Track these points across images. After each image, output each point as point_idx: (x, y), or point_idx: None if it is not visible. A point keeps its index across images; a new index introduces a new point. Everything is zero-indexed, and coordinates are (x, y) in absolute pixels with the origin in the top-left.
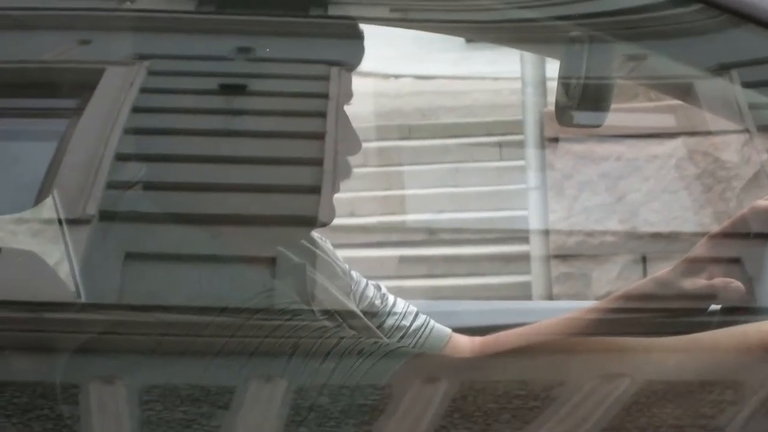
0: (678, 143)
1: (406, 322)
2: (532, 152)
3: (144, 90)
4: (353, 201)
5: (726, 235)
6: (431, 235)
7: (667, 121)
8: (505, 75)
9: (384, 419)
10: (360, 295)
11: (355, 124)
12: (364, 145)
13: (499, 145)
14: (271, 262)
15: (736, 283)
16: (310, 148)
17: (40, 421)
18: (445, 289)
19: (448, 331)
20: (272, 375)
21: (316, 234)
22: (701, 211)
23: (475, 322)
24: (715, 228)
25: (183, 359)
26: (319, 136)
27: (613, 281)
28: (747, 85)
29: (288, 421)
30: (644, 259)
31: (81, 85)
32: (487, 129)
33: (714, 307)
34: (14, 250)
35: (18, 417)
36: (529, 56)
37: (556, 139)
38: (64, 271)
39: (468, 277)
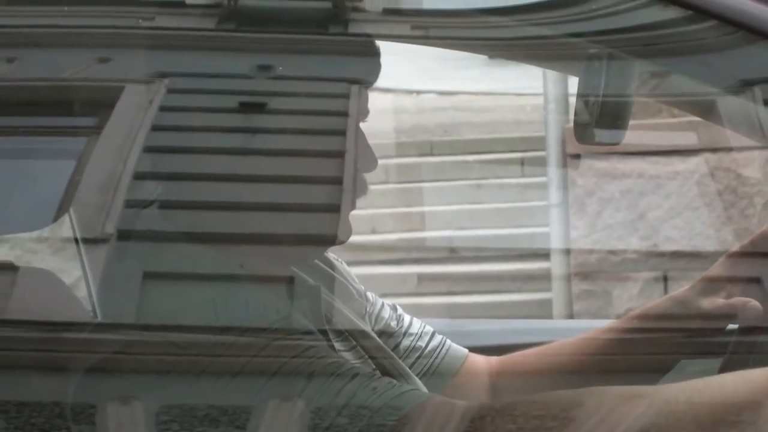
0: (700, 160)
1: (422, 343)
2: (554, 169)
3: (163, 108)
4: (374, 218)
5: (745, 253)
6: (452, 252)
7: (689, 138)
8: (528, 91)
9: None
10: (376, 316)
11: (376, 141)
12: (386, 161)
13: (521, 161)
14: (289, 281)
15: (755, 303)
16: (330, 166)
17: None
18: (466, 306)
19: (465, 351)
20: (290, 395)
21: (332, 255)
22: (723, 228)
23: (494, 341)
24: (735, 246)
25: (200, 379)
26: (339, 155)
27: (634, 299)
28: None
29: None
30: (665, 278)
31: (100, 103)
32: (509, 145)
33: (732, 326)
34: (32, 269)
35: None
36: (552, 73)
37: (578, 156)
38: (81, 291)
39: (488, 294)
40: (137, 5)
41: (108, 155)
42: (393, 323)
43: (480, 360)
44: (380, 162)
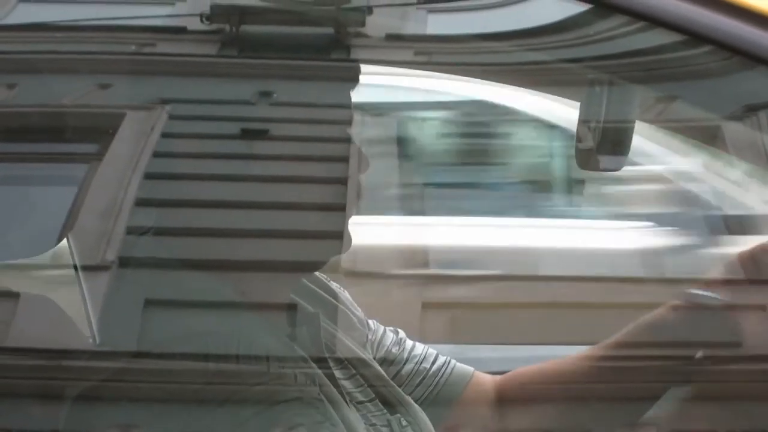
0: None
1: (426, 365)
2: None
3: (165, 135)
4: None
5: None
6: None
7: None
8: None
9: None
10: (377, 344)
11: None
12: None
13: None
14: (290, 308)
15: None
16: (333, 192)
17: None
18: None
19: (471, 369)
20: (295, 423)
21: (334, 284)
22: None
23: (500, 368)
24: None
25: (200, 407)
26: (342, 182)
27: None
28: None
29: None
30: None
31: (101, 129)
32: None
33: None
34: (33, 296)
35: None
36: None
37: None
38: (82, 318)
39: None
40: (139, 31)
41: (109, 182)
42: (394, 349)
43: (486, 378)
44: None
